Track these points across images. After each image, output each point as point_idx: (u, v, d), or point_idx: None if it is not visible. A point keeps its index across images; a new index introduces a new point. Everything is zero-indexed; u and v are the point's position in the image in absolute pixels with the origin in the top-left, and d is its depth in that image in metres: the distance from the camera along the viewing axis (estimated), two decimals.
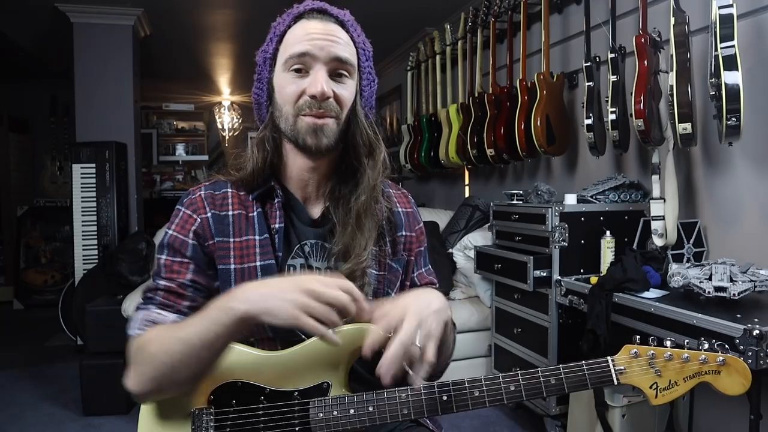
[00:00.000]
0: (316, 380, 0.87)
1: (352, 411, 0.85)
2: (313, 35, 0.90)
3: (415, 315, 0.81)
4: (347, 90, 0.93)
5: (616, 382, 0.84)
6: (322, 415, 0.85)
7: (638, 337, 0.86)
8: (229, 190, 0.97)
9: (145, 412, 0.90)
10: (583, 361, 0.85)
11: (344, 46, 0.92)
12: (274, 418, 0.86)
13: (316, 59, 0.90)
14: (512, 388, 0.84)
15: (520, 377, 0.84)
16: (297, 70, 0.90)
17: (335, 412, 0.85)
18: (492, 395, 0.84)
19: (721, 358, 0.82)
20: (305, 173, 0.97)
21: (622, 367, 0.84)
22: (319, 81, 0.88)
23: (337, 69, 0.91)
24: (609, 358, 0.85)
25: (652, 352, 0.84)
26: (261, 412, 0.86)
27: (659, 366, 0.83)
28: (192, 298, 0.91)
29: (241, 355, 0.90)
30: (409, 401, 0.84)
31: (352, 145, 0.96)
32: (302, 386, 0.88)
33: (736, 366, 0.81)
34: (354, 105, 0.94)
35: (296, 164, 0.97)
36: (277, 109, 0.94)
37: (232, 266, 0.93)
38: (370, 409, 0.85)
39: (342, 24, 0.94)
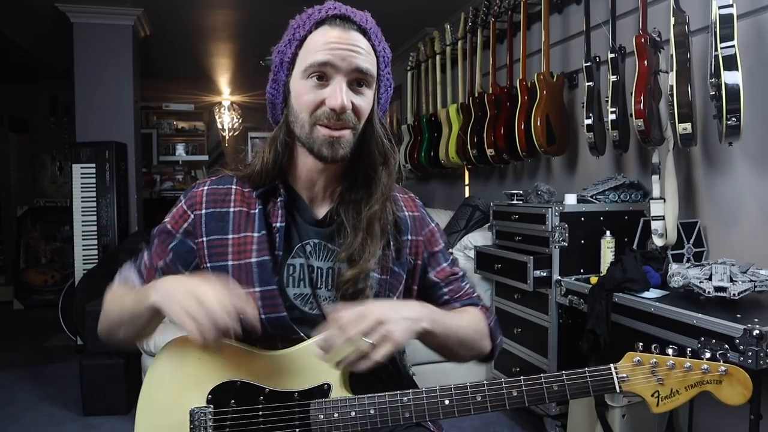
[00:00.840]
0: (316, 381, 0.87)
1: (353, 413, 0.84)
2: (334, 44, 0.88)
3: (373, 314, 0.82)
4: (365, 101, 0.92)
5: (618, 390, 0.83)
6: (322, 416, 0.85)
7: (641, 344, 0.86)
8: (234, 186, 0.98)
9: (142, 411, 0.90)
10: (586, 369, 0.84)
11: (365, 56, 0.90)
12: (274, 419, 0.86)
13: (338, 70, 0.88)
14: (515, 394, 0.84)
15: (522, 383, 0.84)
16: (317, 79, 0.89)
17: (336, 414, 0.85)
18: (494, 400, 0.84)
19: (723, 368, 0.81)
20: (314, 174, 0.97)
21: (625, 375, 0.84)
22: (339, 94, 0.87)
23: (357, 79, 0.90)
24: (612, 365, 0.84)
25: (654, 360, 0.83)
26: (261, 412, 0.86)
27: (662, 374, 0.83)
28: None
29: (240, 354, 0.89)
30: (411, 405, 0.84)
31: (368, 155, 0.96)
32: (302, 387, 0.87)
33: (737, 376, 0.81)
34: (371, 114, 0.94)
35: (306, 165, 0.97)
36: (292, 114, 0.93)
37: (230, 263, 0.93)
38: (372, 411, 0.84)
39: (364, 32, 0.92)
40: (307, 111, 0.90)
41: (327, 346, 0.81)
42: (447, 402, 0.84)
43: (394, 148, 0.99)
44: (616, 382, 0.83)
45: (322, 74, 0.89)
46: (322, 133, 0.89)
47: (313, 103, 0.89)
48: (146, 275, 1.00)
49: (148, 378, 0.91)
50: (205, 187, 0.98)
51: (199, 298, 0.79)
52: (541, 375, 0.84)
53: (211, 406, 0.86)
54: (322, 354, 0.82)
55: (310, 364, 0.87)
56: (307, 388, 0.87)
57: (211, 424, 0.86)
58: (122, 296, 0.96)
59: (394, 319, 0.83)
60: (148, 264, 1.00)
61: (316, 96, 0.89)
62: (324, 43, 0.89)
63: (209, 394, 0.87)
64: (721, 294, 1.65)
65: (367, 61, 0.91)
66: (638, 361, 0.84)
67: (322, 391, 0.86)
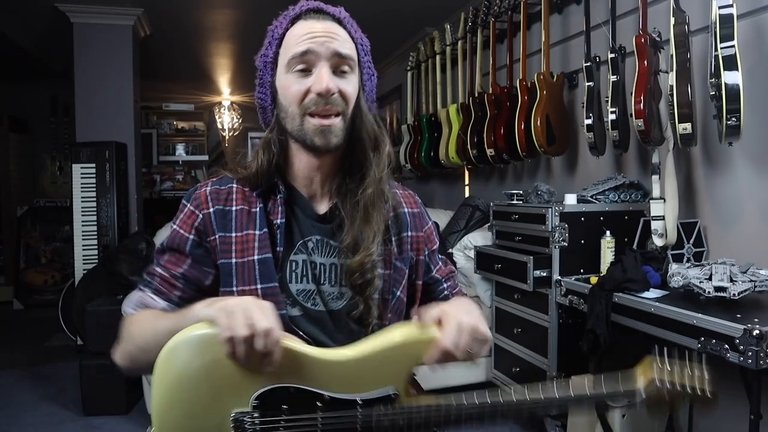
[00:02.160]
0: (382, 388, 0.83)
1: (417, 420, 0.82)
2: (312, 33, 0.91)
3: (465, 324, 0.83)
4: (351, 85, 0.93)
5: (638, 408, 0.90)
6: (387, 423, 0.82)
7: (657, 356, 0.92)
8: (235, 185, 0.99)
9: (166, 411, 0.80)
10: (621, 388, 0.88)
11: (343, 42, 0.93)
12: (334, 427, 0.81)
13: (319, 56, 0.90)
14: (561, 401, 0.87)
15: (571, 392, 0.87)
16: (300, 70, 0.91)
17: (401, 421, 0.82)
18: (541, 409, 0.87)
19: (710, 394, 0.91)
20: (311, 171, 0.98)
21: (644, 395, 0.89)
22: (323, 78, 0.89)
23: (339, 65, 0.92)
24: (641, 388, 0.89)
25: (669, 380, 0.90)
26: (320, 420, 0.80)
27: (670, 396, 0.90)
28: (183, 290, 0.95)
29: (291, 357, 0.80)
30: (473, 411, 0.84)
31: (358, 140, 0.96)
32: (366, 394, 0.82)
33: (714, 399, 0.91)
34: (358, 100, 0.95)
35: (302, 163, 0.97)
36: (282, 110, 0.94)
37: (234, 260, 0.94)
38: (437, 418, 0.83)
39: (339, 21, 0.95)
40: (295, 103, 0.91)
41: (433, 365, 0.83)
42: (501, 411, 0.85)
43: (384, 133, 0.99)
44: (638, 402, 0.89)
45: (305, 64, 0.91)
46: (313, 123, 0.90)
47: (300, 94, 0.91)
48: (167, 289, 0.95)
49: (165, 373, 0.79)
50: (208, 188, 0.99)
51: (251, 310, 0.75)
52: (586, 386, 0.87)
53: (257, 412, 0.79)
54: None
55: (375, 369, 0.83)
56: (372, 396, 0.82)
57: None
58: (154, 321, 0.89)
59: (480, 320, 0.85)
60: (167, 276, 0.96)
61: (302, 86, 0.90)
62: (302, 35, 0.91)
63: (255, 399, 0.79)
64: (721, 294, 1.65)
65: (346, 47, 0.93)
66: (658, 384, 0.90)
67: (389, 398, 0.83)
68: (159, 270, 0.97)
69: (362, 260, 0.92)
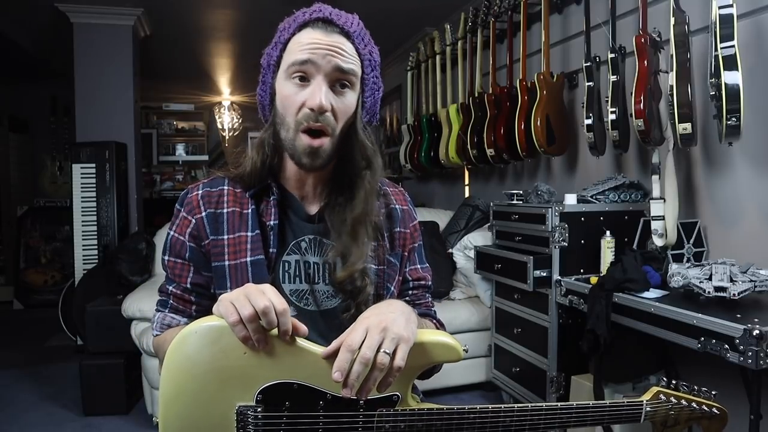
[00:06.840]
0: (386, 390, 0.83)
1: (420, 424, 0.83)
2: (315, 44, 0.89)
3: (374, 324, 0.78)
4: (346, 103, 0.92)
5: (641, 422, 0.93)
6: (389, 426, 0.82)
7: (664, 378, 0.98)
8: (226, 187, 0.99)
9: (172, 399, 0.80)
10: (625, 401, 0.92)
11: (348, 58, 0.90)
12: (335, 426, 0.82)
13: (318, 68, 0.89)
14: (566, 419, 0.89)
15: (574, 410, 0.89)
16: (299, 78, 0.90)
17: (402, 425, 0.82)
18: (548, 422, 0.87)
19: (716, 410, 0.95)
20: (303, 176, 0.98)
21: (651, 410, 0.93)
22: (317, 94, 0.88)
23: (338, 80, 0.90)
24: (644, 401, 0.93)
25: (674, 399, 0.94)
26: (321, 419, 0.81)
27: (676, 411, 0.94)
28: (198, 302, 0.98)
29: (296, 353, 0.81)
30: (476, 421, 0.84)
31: (351, 159, 0.96)
32: (370, 395, 0.81)
33: (722, 415, 0.96)
34: (353, 117, 0.94)
35: (293, 168, 0.98)
36: (278, 116, 0.94)
37: (226, 263, 0.94)
38: (438, 423, 0.83)
39: (347, 35, 0.92)
40: (291, 114, 0.90)
41: (344, 375, 0.74)
42: (508, 420, 0.85)
43: (377, 152, 0.98)
44: (642, 416, 0.93)
45: (303, 74, 0.89)
46: (304, 143, 0.90)
47: (296, 105, 0.90)
48: (183, 306, 0.98)
49: (173, 363, 0.80)
50: (200, 191, 0.98)
51: (250, 293, 0.76)
52: (590, 403, 0.90)
53: (261, 406, 0.80)
54: (346, 392, 0.75)
55: None
56: (375, 397, 0.82)
57: (261, 427, 0.79)
58: None
59: (393, 320, 0.80)
60: (179, 293, 0.98)
61: (299, 97, 0.90)
62: (306, 43, 0.89)
63: (258, 394, 0.80)
64: (721, 294, 1.65)
65: (349, 62, 0.91)
66: (663, 398, 0.94)
67: (391, 401, 0.83)
68: (171, 288, 0.98)
69: (346, 276, 0.92)
